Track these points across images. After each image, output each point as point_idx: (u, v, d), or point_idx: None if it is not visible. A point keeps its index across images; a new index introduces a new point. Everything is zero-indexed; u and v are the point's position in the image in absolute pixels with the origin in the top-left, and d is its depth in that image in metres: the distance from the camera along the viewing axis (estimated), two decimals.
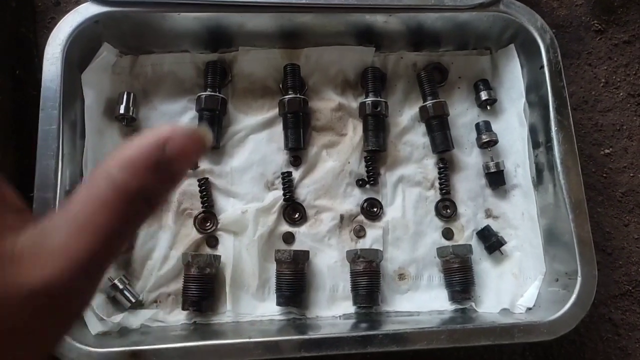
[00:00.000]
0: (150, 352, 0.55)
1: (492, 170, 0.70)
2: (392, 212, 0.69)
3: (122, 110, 0.67)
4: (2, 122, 0.64)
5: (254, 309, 0.64)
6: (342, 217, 0.68)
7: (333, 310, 0.65)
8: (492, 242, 0.68)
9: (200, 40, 0.70)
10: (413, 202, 0.70)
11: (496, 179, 0.70)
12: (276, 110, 0.70)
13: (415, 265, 0.68)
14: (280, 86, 0.72)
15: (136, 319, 0.62)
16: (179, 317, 0.64)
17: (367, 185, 0.70)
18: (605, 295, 0.71)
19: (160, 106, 0.70)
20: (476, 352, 0.68)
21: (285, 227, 0.68)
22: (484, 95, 0.72)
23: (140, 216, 0.27)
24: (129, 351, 0.55)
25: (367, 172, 0.70)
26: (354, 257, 0.64)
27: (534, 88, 0.69)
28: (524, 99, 0.70)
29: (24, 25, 0.71)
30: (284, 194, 0.68)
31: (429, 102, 0.70)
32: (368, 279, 0.63)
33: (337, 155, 0.70)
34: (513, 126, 0.71)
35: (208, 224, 0.67)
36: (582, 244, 0.61)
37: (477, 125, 0.72)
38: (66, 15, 0.63)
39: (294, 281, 0.63)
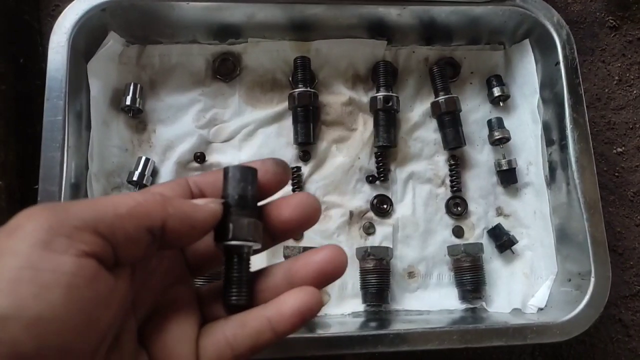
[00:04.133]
0: None
1: (504, 167, 0.69)
2: (402, 209, 0.68)
3: (128, 102, 0.65)
4: (5, 112, 0.63)
5: None
6: (351, 213, 0.67)
7: (342, 308, 0.64)
8: (503, 241, 0.67)
9: (209, 30, 0.68)
10: (423, 199, 0.69)
11: (508, 177, 0.69)
12: (285, 104, 0.69)
13: (425, 264, 0.67)
14: (290, 79, 0.70)
15: None
16: None
17: (377, 182, 0.69)
18: (615, 295, 0.70)
19: (167, 98, 0.68)
20: (486, 352, 0.67)
21: None
22: (496, 92, 0.71)
23: None
24: None
25: (377, 168, 0.69)
26: (363, 254, 0.63)
27: (548, 85, 0.68)
28: (537, 96, 0.68)
29: (28, 13, 0.69)
30: (293, 190, 0.66)
31: (441, 98, 0.69)
32: (378, 276, 0.62)
33: (347, 151, 0.69)
34: (526, 123, 0.70)
35: None
36: (596, 245, 0.60)
37: (489, 122, 0.71)
38: (72, 3, 0.61)
39: None
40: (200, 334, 0.34)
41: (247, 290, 0.35)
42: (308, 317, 0.33)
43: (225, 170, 0.35)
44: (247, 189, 0.34)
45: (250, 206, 0.35)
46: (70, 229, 0.27)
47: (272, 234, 0.36)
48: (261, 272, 0.37)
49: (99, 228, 0.27)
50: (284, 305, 0.33)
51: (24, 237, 0.25)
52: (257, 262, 0.64)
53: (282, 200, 0.36)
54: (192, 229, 0.32)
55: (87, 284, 0.26)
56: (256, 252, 0.36)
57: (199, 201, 0.33)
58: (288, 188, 0.66)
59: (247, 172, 0.35)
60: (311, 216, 0.36)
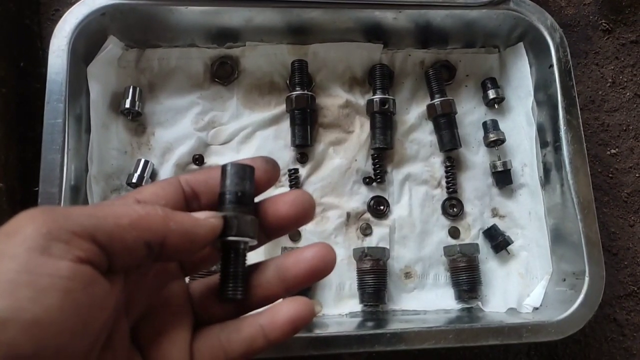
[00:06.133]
0: None
1: (499, 169, 0.70)
2: (398, 210, 0.69)
3: (127, 105, 0.66)
4: (6, 115, 0.64)
5: None
6: (348, 214, 0.68)
7: (339, 308, 0.65)
8: (498, 241, 0.68)
9: (207, 34, 0.69)
10: (420, 200, 0.70)
11: (503, 178, 0.70)
12: (283, 107, 0.70)
13: (421, 264, 0.68)
14: (288, 82, 0.71)
15: None
16: None
17: (374, 183, 0.70)
18: (610, 295, 0.71)
19: (166, 101, 0.69)
20: (482, 352, 0.67)
21: None
22: (491, 94, 0.72)
23: None
24: None
25: (374, 169, 0.69)
26: (360, 255, 0.64)
27: (542, 87, 0.69)
28: (532, 98, 0.69)
29: (28, 17, 0.70)
30: None
31: (436, 100, 0.70)
32: (375, 277, 0.63)
33: (344, 153, 0.70)
34: (521, 125, 0.71)
35: None
36: (590, 244, 0.61)
37: (485, 124, 0.72)
38: (72, 7, 0.62)
39: None
40: (195, 338, 0.35)
41: (242, 285, 0.36)
42: (300, 326, 0.34)
43: (224, 167, 0.35)
44: (246, 186, 0.35)
45: (248, 203, 0.35)
46: (69, 234, 0.27)
47: (268, 230, 0.37)
48: (253, 268, 0.37)
49: (97, 236, 0.28)
50: (278, 314, 0.34)
51: (23, 241, 0.26)
52: (255, 260, 0.65)
53: (278, 197, 0.37)
54: (191, 245, 0.32)
55: (83, 289, 0.27)
56: (252, 248, 0.37)
57: (200, 214, 0.33)
58: (285, 190, 0.67)
59: (246, 169, 0.36)
60: (307, 212, 0.37)
